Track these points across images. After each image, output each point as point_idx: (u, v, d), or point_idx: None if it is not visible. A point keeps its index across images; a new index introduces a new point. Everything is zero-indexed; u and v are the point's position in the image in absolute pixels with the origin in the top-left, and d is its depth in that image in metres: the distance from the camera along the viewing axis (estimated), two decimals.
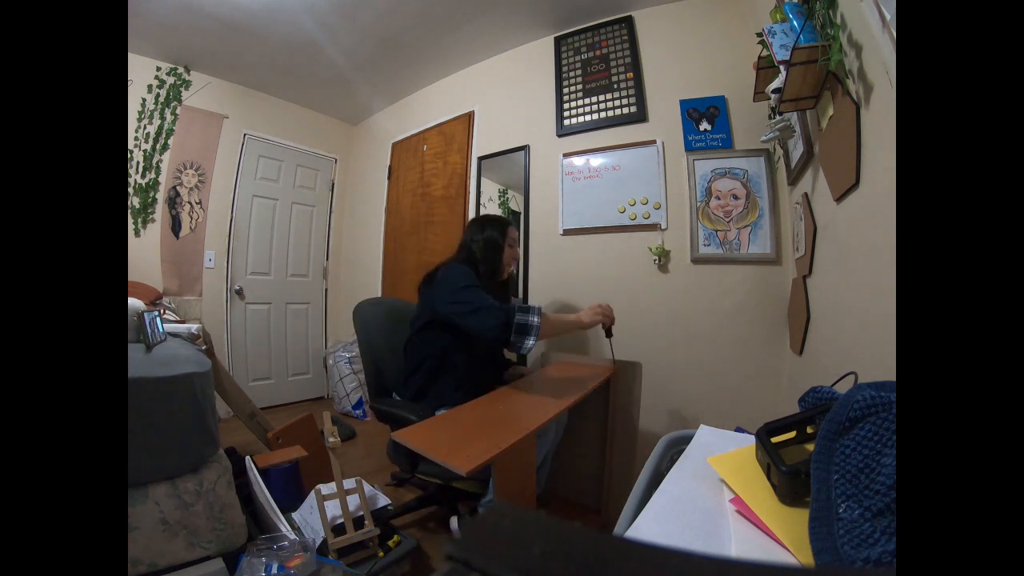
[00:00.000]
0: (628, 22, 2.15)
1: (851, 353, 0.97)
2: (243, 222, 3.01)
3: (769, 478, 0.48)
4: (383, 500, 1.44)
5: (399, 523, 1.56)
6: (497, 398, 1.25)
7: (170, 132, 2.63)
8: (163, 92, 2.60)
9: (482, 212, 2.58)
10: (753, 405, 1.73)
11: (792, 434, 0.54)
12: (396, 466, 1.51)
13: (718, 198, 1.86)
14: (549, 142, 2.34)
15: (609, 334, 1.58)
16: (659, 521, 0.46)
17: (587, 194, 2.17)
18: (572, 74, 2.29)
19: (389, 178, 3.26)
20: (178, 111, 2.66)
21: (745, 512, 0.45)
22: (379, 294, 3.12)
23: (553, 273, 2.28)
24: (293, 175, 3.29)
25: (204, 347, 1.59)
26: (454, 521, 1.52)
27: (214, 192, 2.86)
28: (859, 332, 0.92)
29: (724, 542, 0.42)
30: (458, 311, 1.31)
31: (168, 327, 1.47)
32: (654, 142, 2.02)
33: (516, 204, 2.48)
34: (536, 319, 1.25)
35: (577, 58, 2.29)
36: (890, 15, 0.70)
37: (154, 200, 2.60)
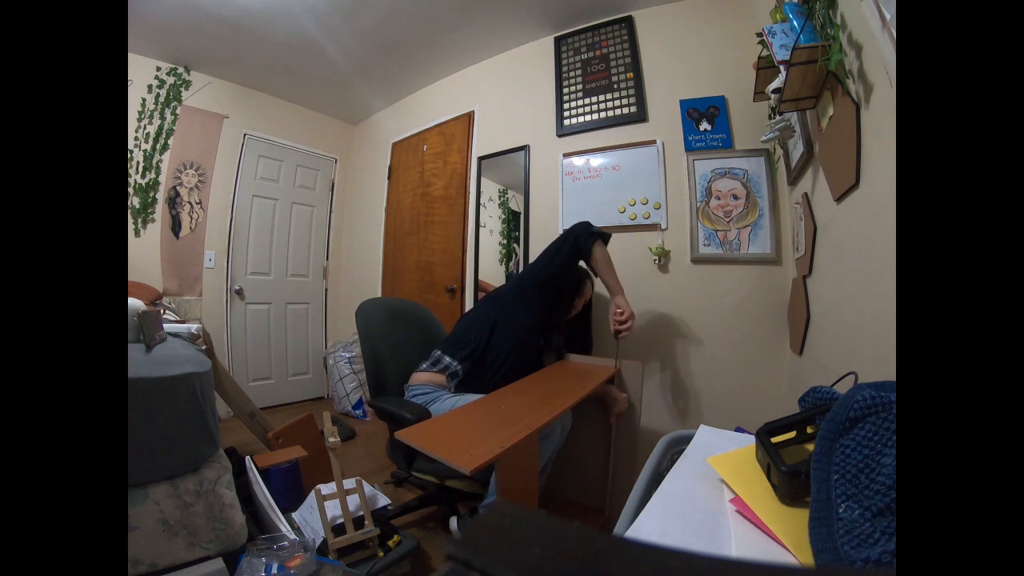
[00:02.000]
0: (628, 22, 2.15)
1: (851, 353, 0.97)
2: (243, 222, 3.00)
3: (769, 478, 0.48)
4: (383, 500, 1.44)
5: (399, 523, 1.56)
6: (499, 398, 1.25)
7: (170, 132, 2.63)
8: (163, 92, 2.60)
9: (482, 212, 2.58)
10: (753, 405, 1.73)
11: (792, 434, 0.54)
12: (394, 464, 1.51)
13: (718, 198, 1.86)
14: (549, 142, 2.34)
15: (617, 337, 1.60)
16: (659, 521, 0.46)
17: (587, 194, 2.17)
18: (572, 74, 2.29)
19: (389, 178, 3.26)
20: (178, 111, 2.66)
21: (745, 512, 0.45)
22: (379, 294, 3.12)
23: None
24: (293, 175, 3.29)
25: (204, 347, 1.59)
26: (454, 521, 1.52)
27: (214, 192, 2.86)
28: (859, 332, 0.92)
29: (724, 542, 0.42)
30: (554, 247, 1.62)
31: (168, 327, 1.47)
32: (654, 142, 2.02)
33: (516, 204, 2.48)
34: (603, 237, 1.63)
35: (577, 58, 2.29)
36: (890, 15, 0.71)
37: (154, 200, 2.60)
